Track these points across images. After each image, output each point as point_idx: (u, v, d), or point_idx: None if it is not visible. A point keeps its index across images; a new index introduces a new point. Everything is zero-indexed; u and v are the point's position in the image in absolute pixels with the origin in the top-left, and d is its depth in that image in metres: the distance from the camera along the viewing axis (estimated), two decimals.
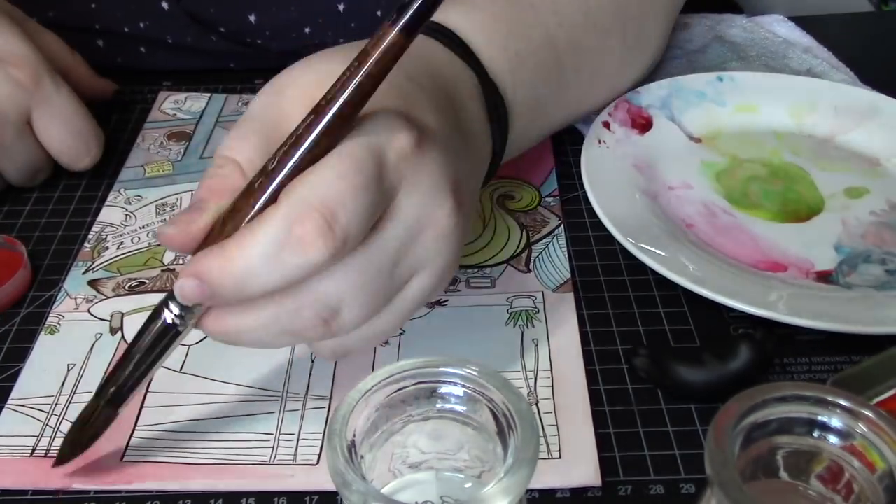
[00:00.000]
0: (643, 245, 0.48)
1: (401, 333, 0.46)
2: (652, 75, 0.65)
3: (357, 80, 0.33)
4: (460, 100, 0.43)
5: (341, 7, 0.64)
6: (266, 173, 0.34)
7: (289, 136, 0.34)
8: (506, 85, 0.48)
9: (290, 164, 0.33)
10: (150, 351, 0.36)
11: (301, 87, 0.37)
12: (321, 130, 0.33)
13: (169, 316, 0.35)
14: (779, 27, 0.71)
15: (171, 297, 0.35)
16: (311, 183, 0.33)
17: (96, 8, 0.65)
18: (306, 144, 0.33)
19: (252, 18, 0.65)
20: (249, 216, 0.34)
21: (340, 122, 0.33)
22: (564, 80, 0.53)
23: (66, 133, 0.54)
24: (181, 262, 0.51)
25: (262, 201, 0.34)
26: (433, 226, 0.36)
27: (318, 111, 0.33)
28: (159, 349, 0.36)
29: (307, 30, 0.66)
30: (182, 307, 0.35)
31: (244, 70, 0.69)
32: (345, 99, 0.33)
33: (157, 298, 0.48)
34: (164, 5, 0.64)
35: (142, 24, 0.65)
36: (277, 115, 0.37)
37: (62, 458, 0.39)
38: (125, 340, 0.46)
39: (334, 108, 0.33)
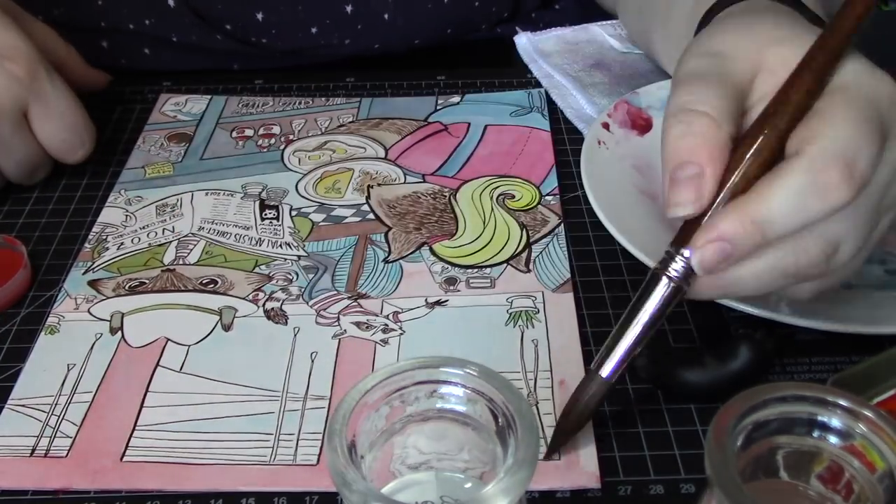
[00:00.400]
0: (643, 246, 0.48)
1: (401, 333, 0.46)
2: (651, 76, 0.65)
3: (834, 38, 0.37)
4: None
5: (349, 9, 0.65)
6: (762, 128, 0.36)
7: (778, 93, 0.37)
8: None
9: (786, 119, 0.36)
10: (657, 316, 0.37)
11: (742, 49, 0.39)
12: (809, 84, 0.36)
13: (675, 279, 0.37)
14: None
15: (667, 261, 0.37)
16: (830, 135, 0.35)
17: (102, 5, 0.65)
18: (796, 99, 0.36)
19: (259, 16, 0.65)
20: (748, 166, 0.36)
21: (821, 78, 0.36)
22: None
23: (61, 126, 0.54)
24: (181, 262, 0.51)
25: (753, 150, 0.36)
26: None
27: (802, 67, 0.36)
28: (664, 313, 0.37)
29: (314, 30, 0.66)
30: (686, 268, 0.36)
31: (245, 71, 0.69)
32: (824, 58, 0.36)
33: (157, 298, 0.49)
34: (171, 2, 0.64)
35: (147, 22, 0.65)
36: (725, 72, 0.39)
37: (555, 446, 0.39)
38: (125, 341, 0.46)
39: (817, 65, 0.36)
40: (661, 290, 0.37)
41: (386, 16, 0.65)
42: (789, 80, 0.37)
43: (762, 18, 0.42)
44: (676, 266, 0.37)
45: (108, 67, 0.66)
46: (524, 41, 0.70)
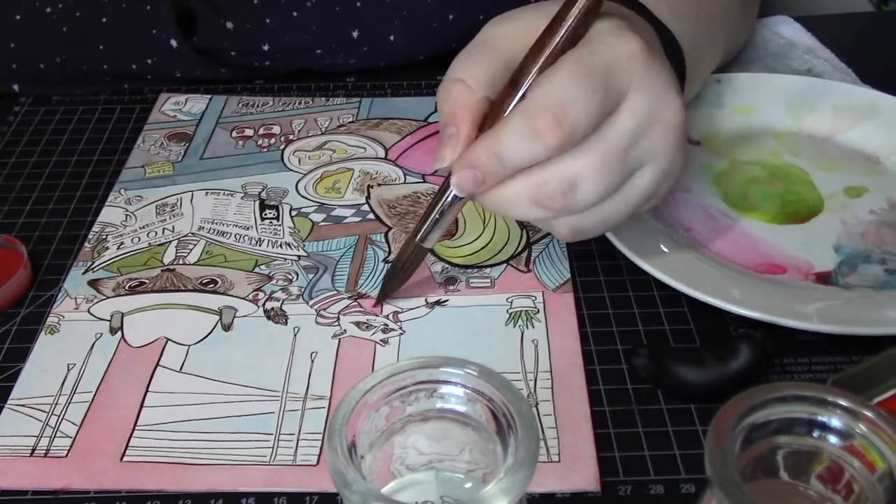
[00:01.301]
0: (641, 250, 0.48)
1: (401, 333, 0.46)
2: None
3: (581, 4, 0.40)
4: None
5: (355, 34, 0.65)
6: (512, 84, 0.42)
7: (527, 53, 0.41)
8: (675, 31, 0.49)
9: (531, 75, 0.41)
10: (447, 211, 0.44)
11: (518, 23, 0.44)
12: (555, 46, 0.41)
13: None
14: (784, 28, 0.71)
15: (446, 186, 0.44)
16: (547, 85, 0.40)
17: (103, 49, 0.65)
18: (543, 58, 0.41)
19: (265, 47, 0.65)
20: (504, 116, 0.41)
21: (571, 37, 0.41)
22: (712, 30, 0.56)
23: None
24: (181, 262, 0.51)
25: (512, 105, 0.41)
26: (661, 121, 0.41)
27: (550, 31, 0.41)
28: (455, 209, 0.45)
29: (318, 51, 0.66)
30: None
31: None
32: (572, 22, 0.40)
33: (157, 298, 0.49)
34: (173, 43, 0.64)
35: (149, 62, 0.66)
36: (499, 42, 0.44)
37: (380, 299, 0.48)
38: (125, 340, 0.46)
39: (565, 27, 0.40)
40: (449, 196, 0.44)
41: (392, 37, 0.65)
42: (533, 45, 0.42)
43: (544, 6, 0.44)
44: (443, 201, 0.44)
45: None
46: None
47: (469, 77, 0.43)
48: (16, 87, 0.67)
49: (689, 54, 0.50)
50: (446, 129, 0.43)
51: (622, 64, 0.40)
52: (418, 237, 0.46)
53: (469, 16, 0.65)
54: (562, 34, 0.41)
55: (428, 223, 0.45)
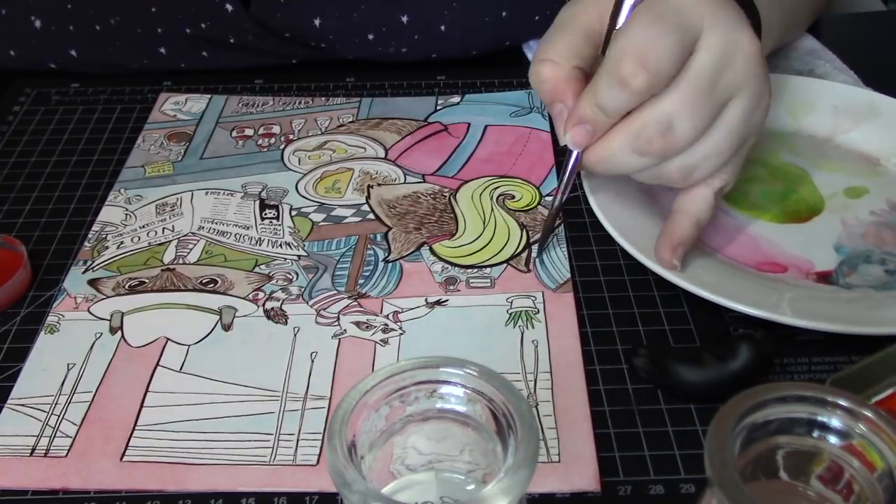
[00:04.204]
0: (643, 246, 0.48)
1: (401, 333, 0.46)
2: None
3: None
4: None
5: (404, 19, 0.65)
6: (602, 52, 0.45)
7: (609, 22, 0.45)
8: None
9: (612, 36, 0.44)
10: (574, 168, 0.48)
11: (589, 1, 0.47)
12: (629, 5, 0.44)
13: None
14: None
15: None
16: (624, 36, 0.42)
17: (156, 12, 0.65)
18: (621, 18, 0.44)
19: (316, 22, 0.65)
20: None
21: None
22: (778, 8, 0.57)
23: None
24: (181, 261, 0.51)
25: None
26: (741, 51, 0.43)
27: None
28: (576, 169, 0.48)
29: (370, 36, 0.66)
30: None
31: (244, 71, 0.69)
32: None
33: (157, 298, 0.49)
34: (229, 7, 0.64)
35: (203, 25, 0.66)
36: (573, 18, 0.47)
37: (539, 253, 0.51)
38: (125, 340, 0.46)
39: None
40: (573, 156, 0.47)
41: (442, 27, 0.65)
42: (611, 12, 0.45)
43: None
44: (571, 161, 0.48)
45: (167, 72, 0.67)
46: (532, 43, 0.70)
47: (554, 54, 0.46)
48: (73, 52, 0.67)
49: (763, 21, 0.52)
50: (553, 107, 0.47)
51: (690, 4, 0.42)
52: (562, 199, 0.49)
53: (523, 14, 0.66)
54: None
55: (562, 186, 0.48)
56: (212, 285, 0.50)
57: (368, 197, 0.56)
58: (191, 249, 0.52)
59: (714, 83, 0.43)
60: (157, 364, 0.45)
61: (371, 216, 0.54)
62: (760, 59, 0.44)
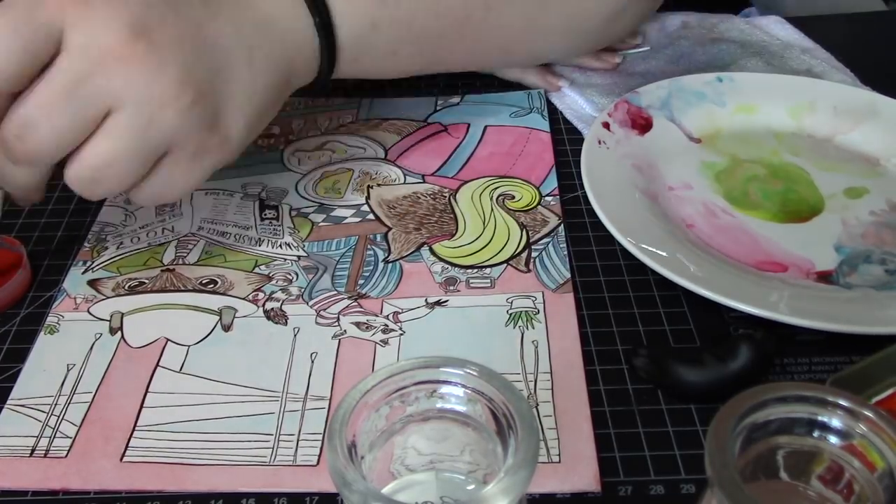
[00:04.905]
0: (643, 245, 0.48)
1: (401, 334, 0.46)
2: (652, 76, 0.65)
3: None
4: None
5: None
6: None
7: None
8: None
9: None
10: None
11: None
12: None
13: None
14: (777, 29, 0.71)
15: None
16: None
17: None
18: None
19: None
20: None
21: None
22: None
23: None
24: (181, 262, 0.51)
25: None
26: (112, 54, 0.41)
27: None
28: None
29: None
30: None
31: None
32: None
33: (156, 298, 0.49)
34: None
35: None
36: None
37: None
38: (125, 341, 0.46)
39: None
40: None
41: None
42: None
43: None
44: None
45: None
46: None
47: None
48: None
49: (352, 21, 0.49)
50: None
51: (48, 1, 0.40)
52: None
53: None
54: None
55: None
56: (212, 286, 0.50)
57: (368, 197, 0.56)
58: (190, 250, 0.52)
59: (77, 86, 0.40)
60: (157, 364, 0.45)
61: (371, 216, 0.54)
62: (142, 63, 0.41)
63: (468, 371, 0.30)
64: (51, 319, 0.48)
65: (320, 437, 0.41)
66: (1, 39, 0.40)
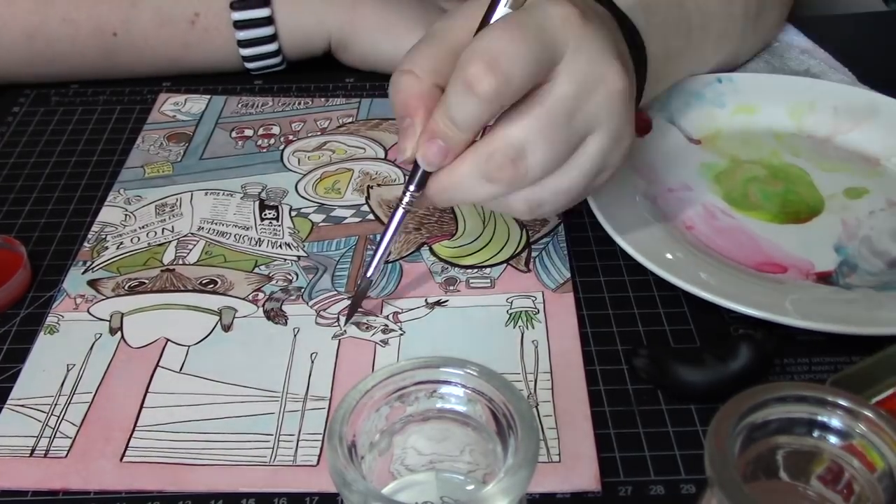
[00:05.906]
0: (643, 248, 0.48)
1: (401, 334, 0.46)
2: None
3: None
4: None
5: None
6: None
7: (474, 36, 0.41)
8: (639, 21, 0.49)
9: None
10: (394, 234, 0.46)
11: (461, 15, 0.44)
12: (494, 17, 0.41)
13: (405, 206, 0.44)
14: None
15: (402, 198, 0.44)
16: (478, 39, 0.40)
17: None
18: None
19: None
20: None
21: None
22: (693, 37, 0.55)
23: None
24: (181, 262, 0.51)
25: None
26: (603, 84, 0.41)
27: (490, 9, 0.41)
28: (399, 228, 0.46)
29: None
30: (412, 194, 0.44)
31: (243, 71, 0.69)
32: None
33: (156, 298, 0.49)
34: None
35: None
36: (444, 33, 0.43)
37: (348, 317, 0.47)
38: (125, 341, 0.46)
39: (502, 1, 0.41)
40: (398, 215, 0.45)
41: None
42: (477, 27, 0.42)
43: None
44: (407, 199, 0.44)
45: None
46: None
47: (416, 67, 0.42)
48: None
49: (654, 50, 0.50)
50: (402, 121, 0.43)
51: (556, 24, 0.40)
52: (370, 272, 0.46)
53: None
54: (500, 6, 0.41)
55: (384, 245, 0.46)
56: (211, 286, 0.50)
57: (368, 197, 0.56)
58: (190, 250, 0.52)
59: (571, 113, 0.41)
60: (157, 365, 0.45)
61: (371, 217, 0.54)
62: (625, 97, 0.42)
63: (468, 371, 0.30)
64: (51, 319, 0.47)
65: (320, 437, 0.41)
66: (518, 53, 0.39)
